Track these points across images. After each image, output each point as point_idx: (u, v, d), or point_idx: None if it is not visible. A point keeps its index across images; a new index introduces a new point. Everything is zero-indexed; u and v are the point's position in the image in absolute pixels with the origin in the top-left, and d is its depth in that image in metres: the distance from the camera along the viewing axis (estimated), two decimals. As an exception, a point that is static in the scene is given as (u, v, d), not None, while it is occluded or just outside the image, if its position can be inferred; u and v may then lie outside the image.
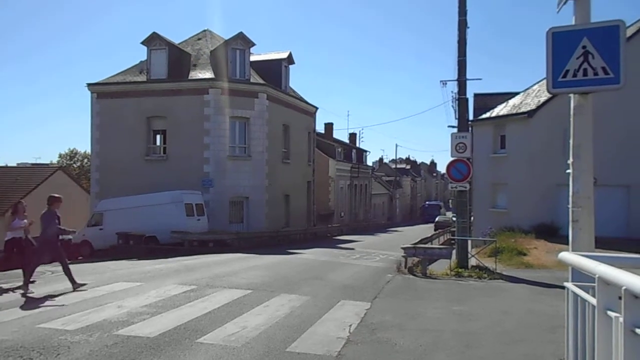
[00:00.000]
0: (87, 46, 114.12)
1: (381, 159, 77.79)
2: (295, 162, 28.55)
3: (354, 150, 51.08)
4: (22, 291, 8.46)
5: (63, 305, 7.35)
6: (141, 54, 26.57)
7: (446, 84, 24.47)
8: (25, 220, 9.99)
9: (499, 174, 22.62)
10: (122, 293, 8.39)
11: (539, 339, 6.14)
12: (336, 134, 49.14)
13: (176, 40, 26.89)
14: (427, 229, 37.94)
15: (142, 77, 25.17)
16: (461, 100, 14.02)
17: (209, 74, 24.31)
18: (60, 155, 55.30)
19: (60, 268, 9.22)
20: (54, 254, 9.09)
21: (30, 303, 7.56)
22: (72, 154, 55.63)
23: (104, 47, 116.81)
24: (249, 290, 8.65)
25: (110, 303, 7.42)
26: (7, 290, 8.80)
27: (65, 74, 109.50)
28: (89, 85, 25.17)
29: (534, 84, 23.32)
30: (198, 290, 8.54)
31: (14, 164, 40.60)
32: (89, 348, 5.12)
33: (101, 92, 25.08)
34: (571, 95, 4.06)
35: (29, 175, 32.71)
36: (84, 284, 8.87)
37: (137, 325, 6.08)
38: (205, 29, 29.11)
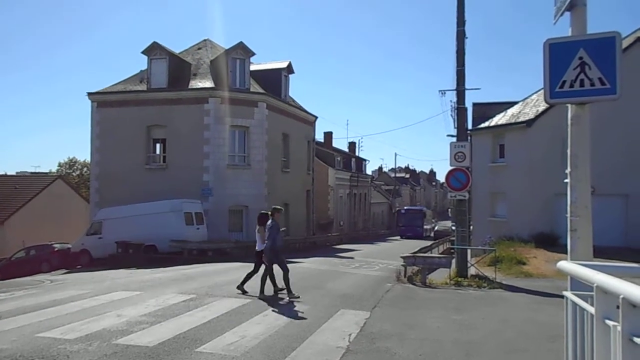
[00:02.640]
0: (86, 55, 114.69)
1: (380, 168, 78.05)
2: (295, 171, 28.58)
3: (353, 159, 51.16)
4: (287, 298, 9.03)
5: (62, 314, 7.33)
6: (141, 63, 26.79)
7: (445, 93, 24.68)
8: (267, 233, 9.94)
9: (498, 183, 22.65)
10: (121, 302, 8.38)
11: (539, 348, 6.13)
12: (335, 143, 49.28)
13: (176, 49, 27.06)
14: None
15: (143, 86, 25.27)
16: (460, 110, 14.09)
17: (209, 83, 24.42)
18: (59, 164, 55.30)
19: (61, 277, 9.24)
20: (279, 262, 9.31)
21: (30, 312, 7.54)
22: (72, 163, 55.63)
23: (104, 56, 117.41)
24: (248, 299, 8.64)
25: (110, 312, 7.41)
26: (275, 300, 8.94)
27: (65, 82, 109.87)
28: (89, 94, 25.27)
29: (533, 94, 23.44)
30: (197, 300, 8.53)
31: (14, 173, 40.61)
32: (88, 357, 5.12)
33: (101, 101, 25.17)
34: (568, 105, 4.10)
35: (29, 184, 32.72)
36: (299, 296, 9.00)
37: (136, 334, 6.07)
38: (206, 38, 29.30)
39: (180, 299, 8.61)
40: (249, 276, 9.62)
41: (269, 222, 9.41)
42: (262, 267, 9.57)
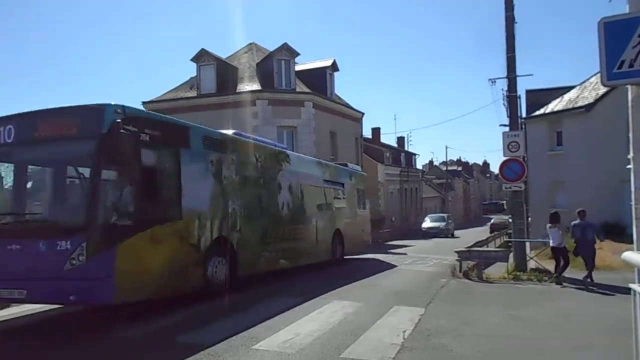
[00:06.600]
0: (134, 62, 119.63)
1: (431, 162, 76.47)
2: (344, 168, 28.42)
3: (402, 154, 50.48)
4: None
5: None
6: (190, 70, 27.76)
7: (495, 82, 23.54)
8: (560, 231, 11.11)
9: (557, 172, 21.64)
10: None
11: (607, 343, 5.81)
12: (384, 139, 48.80)
13: (223, 54, 27.73)
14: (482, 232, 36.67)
15: (193, 93, 26.11)
16: (512, 98, 13.59)
17: (255, 86, 24.87)
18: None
19: None
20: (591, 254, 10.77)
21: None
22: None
23: (154, 64, 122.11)
24: (301, 297, 8.72)
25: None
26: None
27: (116, 89, 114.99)
28: (143, 103, 26.36)
29: (591, 77, 22.20)
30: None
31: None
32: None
33: (155, 109, 26.15)
34: (628, 86, 3.86)
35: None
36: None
37: (193, 333, 6.29)
38: (251, 42, 29.83)
39: (236, 297, 8.80)
40: (562, 270, 10.84)
41: (578, 221, 10.92)
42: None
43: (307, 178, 12.90)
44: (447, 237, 35.95)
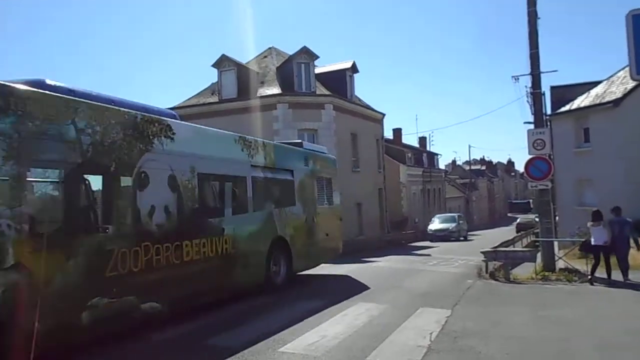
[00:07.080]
0: (161, 71, 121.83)
1: (454, 161, 75.55)
2: (365, 170, 28.48)
3: (424, 154, 50.06)
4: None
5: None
6: (212, 76, 28.02)
7: (518, 79, 22.99)
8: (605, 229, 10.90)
9: (585, 169, 21.11)
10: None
11: (641, 346, 5.65)
12: (405, 139, 48.38)
13: (243, 60, 28.01)
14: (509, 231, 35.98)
15: (215, 98, 26.46)
16: (536, 95, 13.35)
17: (276, 90, 25.04)
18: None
19: None
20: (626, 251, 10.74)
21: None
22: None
23: (177, 70, 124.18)
24: (327, 300, 8.73)
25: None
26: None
27: (135, 96, 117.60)
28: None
29: (619, 71, 21.60)
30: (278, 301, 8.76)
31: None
32: (180, 357, 5.42)
33: (179, 115, 26.58)
34: (659, 80, 3.76)
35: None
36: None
37: (222, 336, 6.37)
38: (271, 46, 30.04)
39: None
40: (609, 269, 10.49)
41: (616, 217, 10.73)
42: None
43: (215, 163, 8.28)
44: (458, 240, 30.95)
